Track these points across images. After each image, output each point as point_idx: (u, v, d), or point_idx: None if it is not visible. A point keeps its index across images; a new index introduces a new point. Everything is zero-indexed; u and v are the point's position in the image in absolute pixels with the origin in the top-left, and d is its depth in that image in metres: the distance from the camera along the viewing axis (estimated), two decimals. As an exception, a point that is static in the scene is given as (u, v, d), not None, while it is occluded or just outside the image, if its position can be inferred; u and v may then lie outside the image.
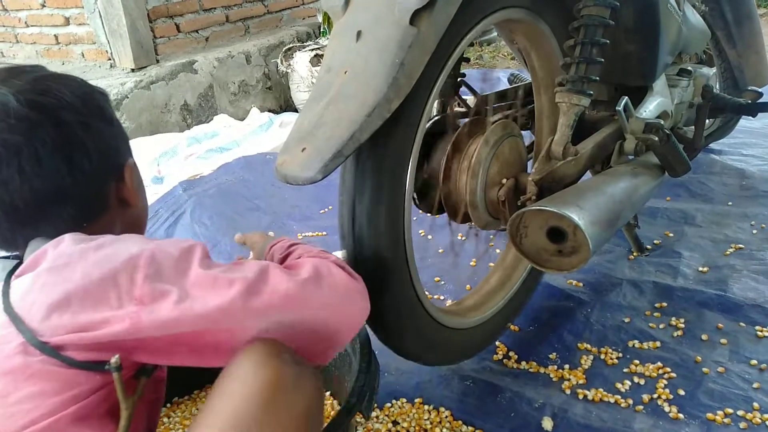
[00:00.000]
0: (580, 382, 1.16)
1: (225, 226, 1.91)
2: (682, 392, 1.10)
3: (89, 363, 0.59)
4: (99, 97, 0.75)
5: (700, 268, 1.44)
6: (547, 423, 1.07)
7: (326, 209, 2.00)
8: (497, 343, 1.27)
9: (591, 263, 1.23)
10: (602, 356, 1.21)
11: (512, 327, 1.31)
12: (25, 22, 3.19)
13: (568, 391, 1.14)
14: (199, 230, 1.90)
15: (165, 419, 1.17)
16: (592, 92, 1.04)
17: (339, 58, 0.84)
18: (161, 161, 2.51)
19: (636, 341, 1.24)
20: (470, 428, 1.09)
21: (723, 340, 1.21)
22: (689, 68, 1.43)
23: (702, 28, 1.49)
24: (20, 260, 0.66)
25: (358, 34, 0.82)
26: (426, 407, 1.14)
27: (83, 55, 3.04)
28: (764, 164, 1.95)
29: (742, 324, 1.25)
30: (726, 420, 1.03)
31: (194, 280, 0.62)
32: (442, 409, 1.13)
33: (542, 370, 1.20)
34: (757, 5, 1.97)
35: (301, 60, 3.08)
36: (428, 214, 1.12)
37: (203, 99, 3.04)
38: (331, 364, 1.14)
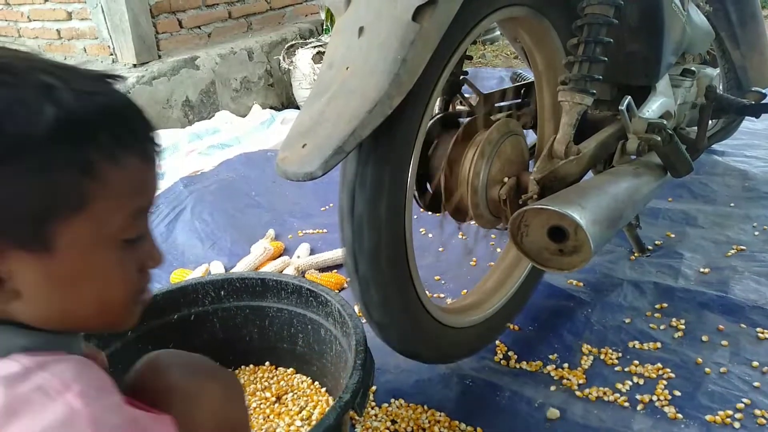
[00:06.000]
0: (580, 382, 1.15)
1: (225, 222, 1.90)
2: (682, 393, 1.09)
3: None
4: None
5: (702, 269, 1.44)
6: (553, 413, 1.07)
7: (327, 206, 2.00)
8: (497, 342, 1.27)
9: (592, 263, 1.23)
10: (602, 356, 1.21)
11: (512, 326, 1.31)
12: (28, 17, 3.19)
13: (567, 391, 1.13)
14: (200, 226, 1.89)
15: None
16: (594, 91, 1.03)
17: (341, 54, 0.83)
18: (162, 157, 2.50)
19: (636, 342, 1.23)
20: (469, 427, 1.08)
21: (724, 342, 1.21)
22: (693, 68, 1.42)
23: (706, 29, 1.48)
24: None
25: (360, 30, 0.81)
26: (425, 406, 1.13)
27: (85, 50, 3.04)
28: (767, 166, 1.94)
29: (743, 325, 1.25)
30: (726, 421, 1.03)
31: None
32: (440, 408, 1.13)
33: (542, 369, 1.20)
34: (762, 6, 1.96)
35: (304, 57, 3.08)
36: (429, 212, 1.12)
37: (205, 95, 3.03)
38: (328, 361, 1.14)
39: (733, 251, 1.50)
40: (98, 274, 0.50)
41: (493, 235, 1.68)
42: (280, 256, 1.71)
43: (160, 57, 2.93)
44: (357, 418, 1.09)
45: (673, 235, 1.61)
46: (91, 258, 0.49)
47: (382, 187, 0.85)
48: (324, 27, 3.42)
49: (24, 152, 0.44)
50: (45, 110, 0.45)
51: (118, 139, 0.48)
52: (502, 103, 1.29)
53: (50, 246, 0.46)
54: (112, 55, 2.93)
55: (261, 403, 1.15)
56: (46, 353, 0.48)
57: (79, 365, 0.48)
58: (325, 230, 1.84)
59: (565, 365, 1.20)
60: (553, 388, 1.15)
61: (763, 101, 1.60)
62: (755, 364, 1.14)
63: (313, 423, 1.08)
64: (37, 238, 0.46)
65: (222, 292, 1.19)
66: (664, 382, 1.12)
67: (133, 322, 0.55)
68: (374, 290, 0.90)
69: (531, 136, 1.28)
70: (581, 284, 1.44)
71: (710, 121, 1.57)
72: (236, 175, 2.25)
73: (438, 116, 1.10)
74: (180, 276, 1.61)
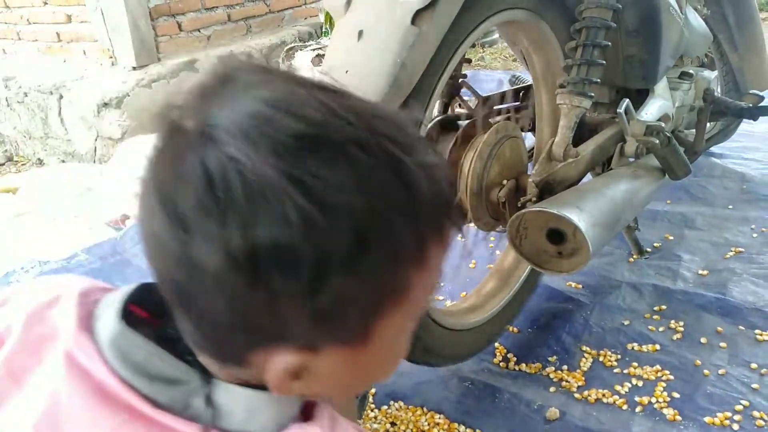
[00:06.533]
0: (579, 384, 1.16)
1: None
2: (680, 395, 1.10)
3: None
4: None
5: (700, 272, 1.44)
6: (553, 413, 1.08)
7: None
8: (496, 344, 1.27)
9: (590, 265, 1.23)
10: (601, 358, 1.21)
11: (511, 329, 1.31)
12: (27, 20, 3.20)
13: (566, 393, 1.14)
14: (199, 229, 1.89)
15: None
16: (593, 94, 1.04)
17: (340, 57, 0.84)
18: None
19: (635, 344, 1.24)
20: (468, 429, 1.08)
21: (722, 344, 1.21)
22: (691, 71, 1.43)
23: (704, 32, 1.49)
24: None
25: (360, 33, 0.82)
26: (424, 408, 1.14)
27: (85, 53, 3.04)
28: (765, 168, 1.94)
29: (741, 327, 1.25)
30: (724, 423, 1.03)
31: None
32: (440, 410, 1.13)
33: (541, 371, 1.20)
34: (759, 9, 1.97)
35: (303, 60, 3.08)
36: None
37: (204, 98, 3.04)
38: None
39: (731, 253, 1.51)
40: (397, 353, 0.45)
41: (492, 238, 1.68)
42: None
43: (159, 60, 2.94)
44: (356, 420, 1.09)
45: (671, 237, 1.61)
46: (396, 340, 0.44)
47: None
48: (323, 30, 3.43)
49: (372, 252, 0.37)
50: (398, 198, 0.37)
51: (445, 214, 0.41)
52: (500, 106, 1.30)
53: (366, 337, 0.41)
54: (111, 57, 2.93)
55: (260, 406, 1.15)
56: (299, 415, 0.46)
57: (345, 422, 0.47)
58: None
59: (564, 367, 1.20)
60: (552, 389, 1.15)
61: (761, 104, 1.60)
62: (754, 366, 1.14)
63: (313, 425, 1.08)
64: (358, 333, 0.41)
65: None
66: (663, 384, 1.13)
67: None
68: None
69: (530, 139, 1.29)
70: (580, 286, 1.44)
71: (708, 124, 1.57)
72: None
73: (437, 119, 1.10)
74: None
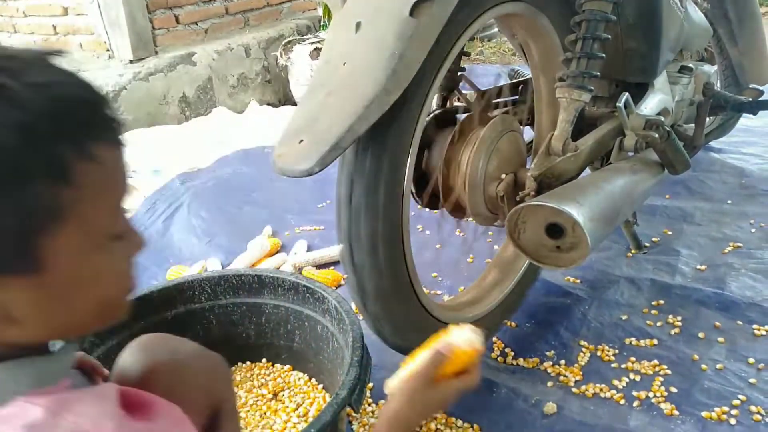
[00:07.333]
0: (577, 378, 1.15)
1: (222, 219, 1.90)
2: (678, 390, 1.10)
3: None
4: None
5: (699, 267, 1.44)
6: (550, 407, 1.08)
7: (324, 203, 1.99)
8: (494, 339, 1.27)
9: (589, 260, 1.22)
10: (599, 353, 1.21)
11: (509, 323, 1.31)
12: (23, 12, 3.18)
13: (564, 388, 1.14)
14: (197, 223, 1.89)
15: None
16: (592, 88, 1.03)
17: (338, 49, 0.83)
18: (159, 153, 2.50)
19: (633, 338, 1.24)
20: (466, 424, 1.08)
21: (720, 339, 1.21)
22: (690, 65, 1.42)
23: (704, 26, 1.48)
24: None
25: (358, 25, 0.81)
26: (422, 402, 1.13)
27: (81, 46, 3.03)
28: (764, 163, 1.94)
29: (739, 322, 1.25)
30: (722, 418, 1.03)
31: None
32: (437, 404, 1.13)
33: (539, 366, 1.20)
34: (760, 3, 1.97)
35: (301, 53, 3.07)
36: (426, 209, 1.12)
37: (202, 91, 3.02)
38: (325, 357, 1.14)
39: (729, 248, 1.51)
40: (94, 277, 0.46)
41: (490, 232, 1.67)
42: (277, 253, 1.70)
43: (156, 53, 2.92)
44: (354, 414, 1.09)
45: (670, 232, 1.61)
46: (83, 264, 0.45)
47: (378, 183, 0.85)
48: (321, 23, 3.41)
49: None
50: (4, 117, 0.39)
51: (87, 132, 0.43)
52: (499, 100, 1.29)
53: (39, 264, 0.42)
54: (108, 50, 2.92)
55: (258, 400, 1.15)
56: (56, 387, 0.46)
57: (96, 398, 0.47)
58: (322, 227, 1.84)
59: (562, 362, 1.20)
60: (549, 384, 1.15)
61: (760, 98, 1.60)
62: (751, 360, 1.14)
63: (310, 420, 1.08)
64: (24, 260, 0.41)
65: (218, 289, 1.19)
66: (661, 379, 1.13)
67: (126, 313, 0.51)
68: (369, 278, 0.90)
69: (528, 133, 1.28)
70: (578, 281, 1.44)
71: (707, 118, 1.57)
72: (233, 172, 2.24)
73: (435, 112, 1.09)
74: (177, 273, 1.61)
